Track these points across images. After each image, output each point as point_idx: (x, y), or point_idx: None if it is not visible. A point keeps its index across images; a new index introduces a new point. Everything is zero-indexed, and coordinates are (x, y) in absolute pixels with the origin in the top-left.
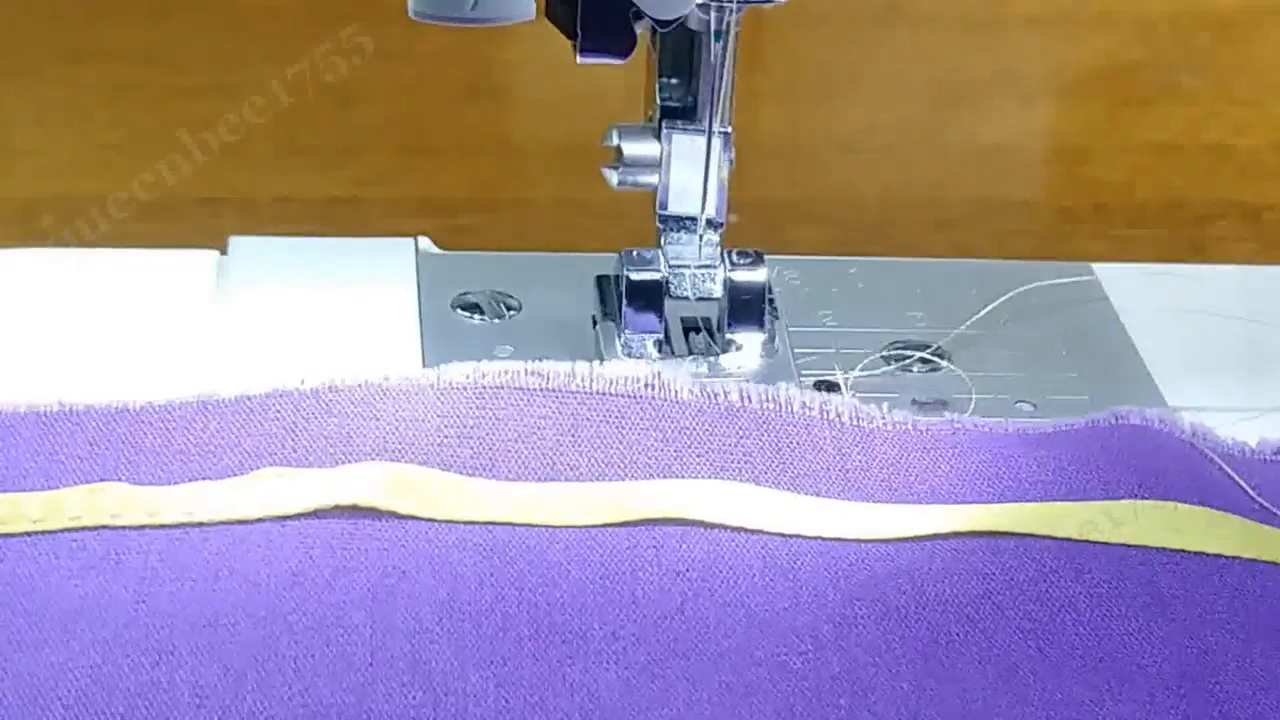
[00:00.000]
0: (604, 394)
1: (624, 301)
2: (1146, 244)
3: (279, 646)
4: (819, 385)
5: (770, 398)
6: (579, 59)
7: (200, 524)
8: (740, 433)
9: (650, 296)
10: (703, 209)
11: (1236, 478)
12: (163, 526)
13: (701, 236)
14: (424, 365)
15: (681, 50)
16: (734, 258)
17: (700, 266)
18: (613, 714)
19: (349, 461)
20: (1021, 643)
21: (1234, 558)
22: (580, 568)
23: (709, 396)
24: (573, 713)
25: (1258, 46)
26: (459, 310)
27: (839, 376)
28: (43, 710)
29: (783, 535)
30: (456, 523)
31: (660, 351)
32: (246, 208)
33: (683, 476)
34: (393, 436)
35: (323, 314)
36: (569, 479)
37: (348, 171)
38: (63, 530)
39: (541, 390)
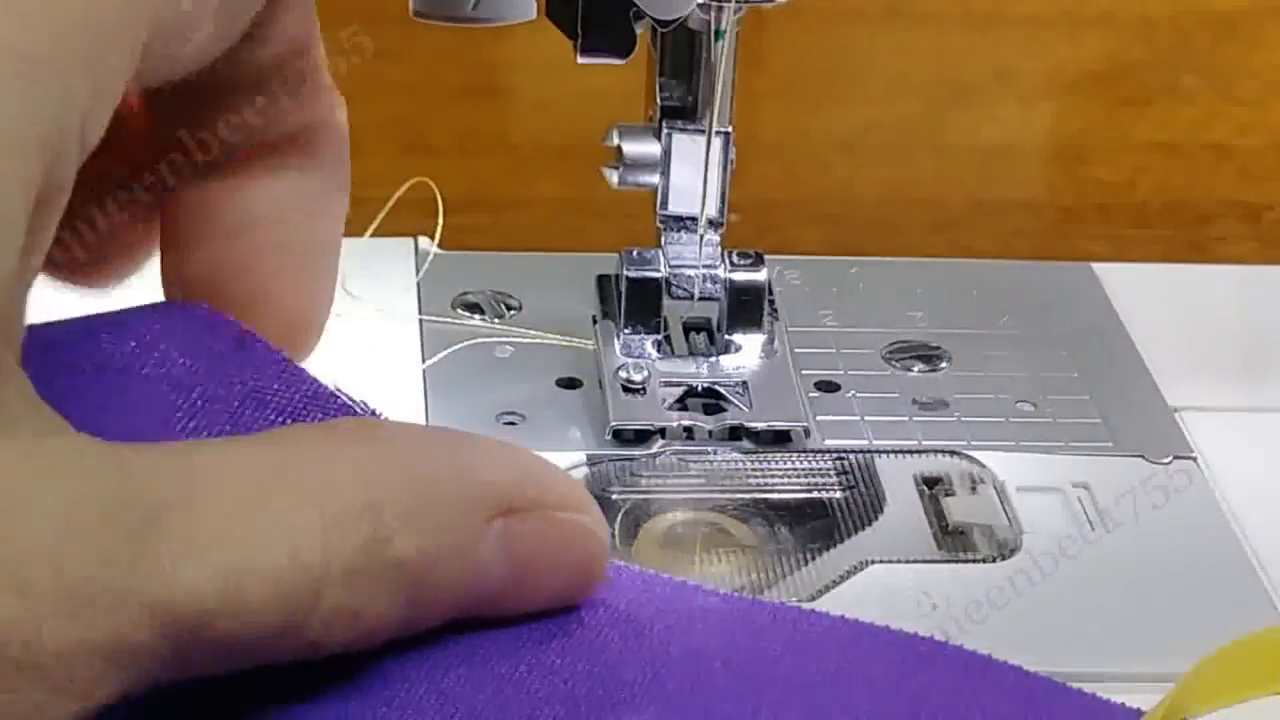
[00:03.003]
0: None
1: (624, 301)
2: (1147, 244)
3: None
4: (819, 385)
5: None
6: (579, 59)
7: None
8: None
9: (650, 296)
10: (703, 209)
11: None
12: None
13: (702, 237)
14: (424, 365)
15: (681, 50)
16: (734, 258)
17: (700, 267)
18: None
19: None
20: None
21: None
22: None
23: None
24: None
25: (1258, 46)
26: (459, 310)
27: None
28: None
29: None
30: None
31: (660, 352)
32: None
33: None
34: None
35: None
36: None
37: None
38: None
39: None
